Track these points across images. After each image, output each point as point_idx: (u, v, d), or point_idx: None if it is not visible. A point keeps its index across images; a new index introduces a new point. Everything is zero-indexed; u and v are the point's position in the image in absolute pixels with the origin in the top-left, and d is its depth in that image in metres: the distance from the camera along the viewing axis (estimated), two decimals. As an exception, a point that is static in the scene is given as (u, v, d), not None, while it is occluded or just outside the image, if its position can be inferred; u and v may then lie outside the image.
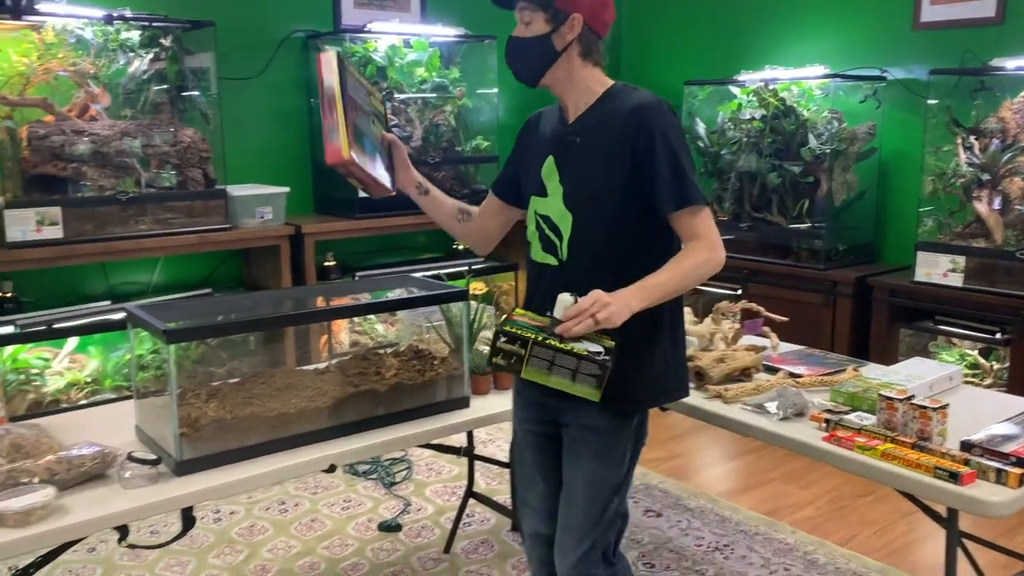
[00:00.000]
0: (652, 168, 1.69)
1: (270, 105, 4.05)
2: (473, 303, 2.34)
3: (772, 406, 2.13)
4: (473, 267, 4.32)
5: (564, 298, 1.65)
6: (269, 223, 3.75)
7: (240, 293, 3.90)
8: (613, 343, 1.64)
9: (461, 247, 4.62)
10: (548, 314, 1.67)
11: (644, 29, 5.04)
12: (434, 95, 4.27)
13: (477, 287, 4.45)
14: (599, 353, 1.60)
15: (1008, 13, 3.63)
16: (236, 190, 3.70)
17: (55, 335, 3.37)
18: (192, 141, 3.57)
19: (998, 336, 3.43)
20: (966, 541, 2.21)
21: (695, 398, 2.24)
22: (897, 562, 2.78)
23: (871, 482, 2.08)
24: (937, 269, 3.53)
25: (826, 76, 4.02)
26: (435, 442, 2.35)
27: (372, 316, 4.01)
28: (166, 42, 3.55)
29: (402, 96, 4.16)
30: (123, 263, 3.72)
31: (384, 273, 4.12)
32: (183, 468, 1.82)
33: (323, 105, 1.83)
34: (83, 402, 3.43)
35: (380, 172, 1.91)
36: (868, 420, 2.00)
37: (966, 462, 1.78)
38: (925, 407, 1.91)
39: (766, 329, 2.70)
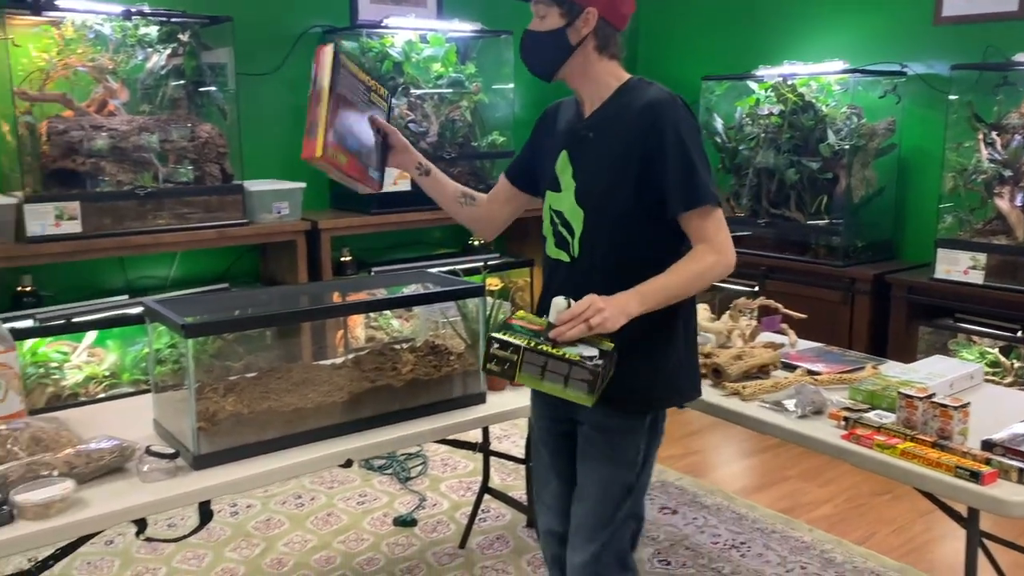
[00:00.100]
0: (662, 167, 1.66)
1: (287, 101, 4.06)
2: (489, 299, 2.33)
3: (790, 404, 2.11)
4: (489, 263, 4.31)
5: (558, 302, 1.63)
6: (286, 218, 3.77)
7: (257, 288, 3.92)
8: (612, 345, 1.62)
9: (476, 242, 4.62)
10: (545, 317, 1.66)
11: (662, 24, 5.02)
12: (450, 90, 4.27)
13: (492, 283, 4.45)
14: (592, 357, 1.57)
15: (1031, 7, 3.59)
16: (253, 185, 3.71)
17: (74, 329, 3.40)
18: (209, 136, 3.58)
19: (1019, 334, 3.40)
20: (986, 541, 2.19)
21: (712, 395, 2.23)
22: (915, 561, 2.76)
23: (889, 480, 2.06)
24: (957, 266, 3.49)
25: (845, 71, 3.98)
26: (450, 438, 2.34)
27: (388, 311, 4.02)
28: (184, 37, 3.57)
29: (418, 92, 4.16)
30: (141, 258, 3.74)
31: (400, 268, 4.12)
32: (201, 462, 1.82)
33: (311, 99, 1.84)
34: (101, 396, 3.46)
35: (366, 170, 1.91)
36: (887, 418, 1.98)
37: (987, 461, 1.76)
38: (946, 405, 1.89)
39: (784, 326, 2.68)
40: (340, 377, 2.14)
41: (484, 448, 2.81)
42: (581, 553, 1.79)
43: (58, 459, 1.73)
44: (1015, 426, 1.91)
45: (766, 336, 2.64)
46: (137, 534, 1.82)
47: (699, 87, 4.49)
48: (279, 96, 4.03)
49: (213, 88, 3.69)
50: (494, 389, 2.32)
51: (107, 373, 3.54)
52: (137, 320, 3.44)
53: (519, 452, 3.21)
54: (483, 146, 4.40)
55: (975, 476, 1.72)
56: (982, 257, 3.43)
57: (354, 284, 3.53)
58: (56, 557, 1.79)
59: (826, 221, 4.05)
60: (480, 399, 2.24)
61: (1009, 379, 3.49)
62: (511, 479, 3.32)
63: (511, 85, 4.45)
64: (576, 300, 1.63)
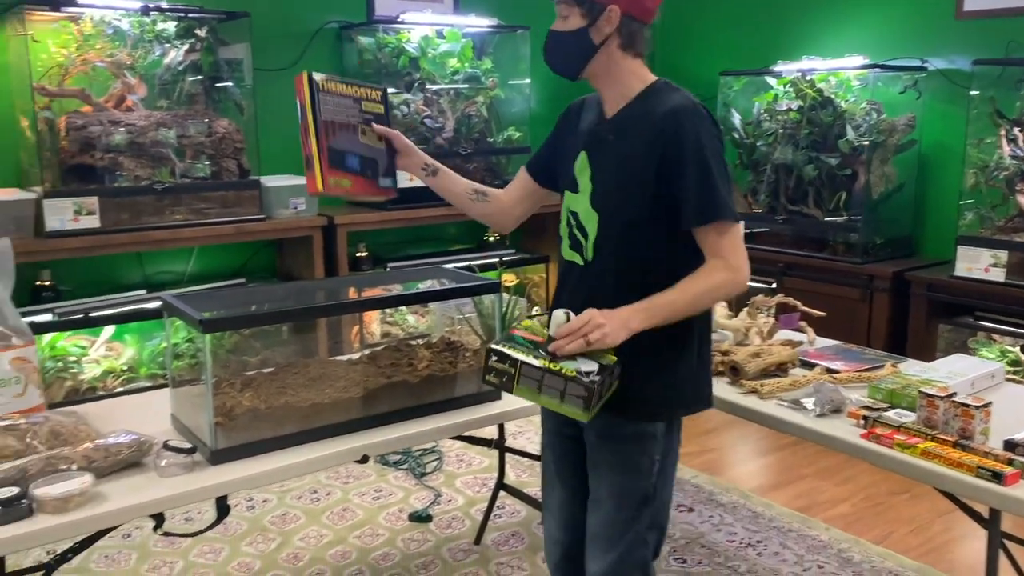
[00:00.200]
0: (680, 176, 1.61)
1: (304, 96, 4.05)
2: (505, 295, 2.33)
3: (809, 402, 2.10)
4: (504, 259, 4.31)
5: (558, 315, 1.61)
6: (302, 214, 3.77)
7: (273, 283, 3.93)
8: (614, 359, 1.60)
9: (492, 238, 4.62)
10: (547, 328, 1.64)
11: (679, 18, 4.98)
12: (466, 86, 4.26)
13: (508, 279, 4.44)
14: (590, 373, 1.54)
15: (1055, 1, 3.54)
16: (270, 181, 3.72)
17: (92, 323, 3.42)
18: (227, 132, 3.60)
19: (1041, 332, 3.36)
20: (1007, 542, 2.17)
21: (730, 393, 2.22)
22: (934, 561, 2.73)
23: (907, 480, 2.04)
24: (978, 264, 3.46)
25: (865, 67, 3.95)
26: (465, 434, 2.34)
27: (404, 307, 4.02)
28: (201, 33, 3.58)
29: (434, 87, 4.16)
30: (158, 253, 3.76)
31: (415, 264, 4.12)
32: (218, 457, 1.83)
33: (301, 132, 1.87)
34: (119, 390, 3.48)
35: (375, 183, 1.92)
36: (907, 417, 1.97)
37: (1009, 462, 1.74)
38: (968, 405, 1.87)
39: (802, 324, 2.66)
40: (356, 373, 2.14)
41: (499, 444, 2.81)
42: (599, 562, 1.76)
43: (77, 453, 1.74)
44: (1038, 426, 1.89)
45: (784, 334, 2.62)
46: (155, 529, 1.83)
47: (717, 82, 4.47)
48: (296, 91, 4.02)
49: (230, 83, 3.70)
50: (510, 386, 2.31)
51: (124, 367, 3.56)
52: (155, 315, 3.46)
53: (534, 449, 3.20)
54: (499, 142, 4.39)
55: (997, 477, 1.70)
56: (1003, 255, 3.39)
57: (370, 280, 3.53)
58: (74, 550, 1.80)
59: (844, 218, 4.01)
60: (496, 395, 2.24)
61: (1030, 378, 3.45)
62: (526, 475, 3.31)
63: (527, 80, 4.44)
64: (588, 305, 1.61)
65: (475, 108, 4.28)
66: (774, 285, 4.00)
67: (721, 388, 2.24)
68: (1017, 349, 3.54)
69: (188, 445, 1.81)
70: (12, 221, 3.18)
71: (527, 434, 3.67)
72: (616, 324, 1.57)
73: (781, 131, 4.16)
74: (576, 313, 1.61)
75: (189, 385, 2.05)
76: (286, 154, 3.97)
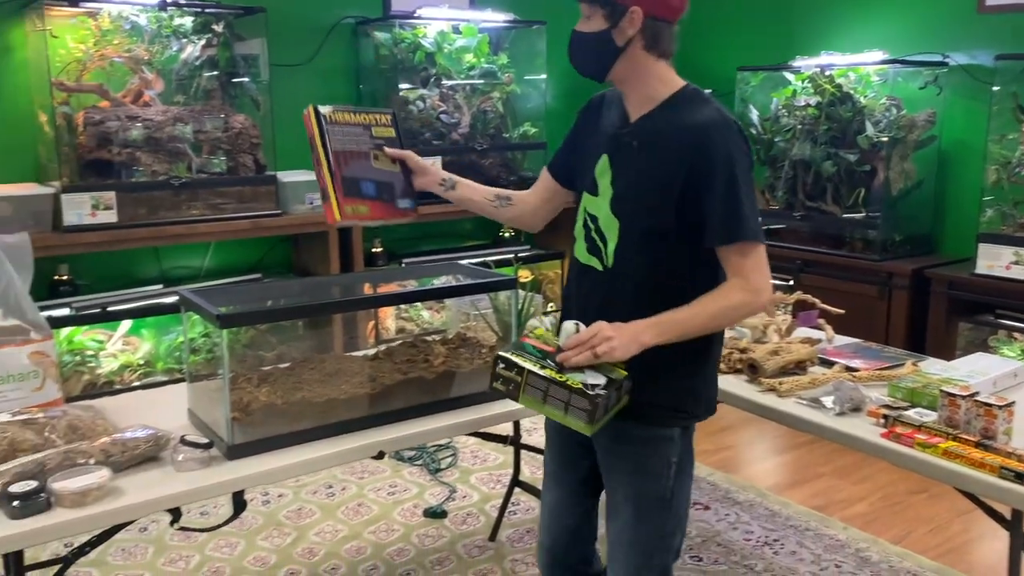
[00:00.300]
0: (708, 193, 1.57)
1: (320, 91, 4.06)
2: (521, 292, 2.32)
3: (828, 400, 2.08)
4: (520, 255, 4.30)
5: (567, 326, 1.60)
6: (318, 209, 3.77)
7: (289, 279, 3.94)
8: (624, 373, 1.58)
9: (507, 234, 4.61)
10: (558, 337, 1.63)
11: (697, 14, 4.90)
12: (482, 81, 4.25)
13: (523, 275, 4.43)
14: (596, 386, 1.52)
15: (1079, -4, 3.49)
16: (286, 176, 3.72)
17: (109, 318, 3.44)
18: (243, 127, 3.60)
19: (1063, 331, 3.32)
20: (1029, 543, 2.14)
21: (749, 391, 2.20)
22: (953, 562, 2.71)
23: (925, 479, 2.02)
24: (1000, 261, 3.42)
25: (884, 62, 3.90)
26: (481, 430, 2.34)
27: (419, 303, 4.02)
28: (218, 28, 3.59)
29: (450, 82, 4.15)
30: (175, 247, 3.77)
31: (431, 260, 4.12)
32: (235, 452, 1.83)
33: (314, 163, 1.90)
34: (136, 384, 3.50)
35: (393, 206, 1.93)
36: (928, 416, 1.94)
37: (1033, 462, 1.72)
38: (990, 404, 1.84)
39: (821, 321, 2.64)
40: (372, 368, 2.14)
41: (515, 441, 2.80)
42: (623, 569, 1.74)
43: (95, 447, 1.74)
44: (1062, 426, 1.86)
45: (802, 331, 2.60)
46: (172, 523, 1.84)
47: (735, 78, 4.43)
48: (312, 87, 4.03)
49: (246, 79, 3.71)
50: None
51: (141, 362, 3.58)
52: (171, 309, 3.47)
53: (549, 445, 3.19)
54: (515, 137, 4.38)
55: (1020, 477, 1.67)
56: (1026, 252, 3.36)
57: (385, 275, 3.53)
58: (92, 544, 1.81)
59: (863, 214, 3.98)
60: (512, 392, 2.23)
61: (1052, 377, 3.41)
62: (541, 472, 3.29)
63: (543, 76, 4.42)
64: (603, 310, 1.60)
65: (491, 103, 4.27)
66: (792, 282, 3.97)
67: (739, 386, 2.23)
68: (1038, 348, 3.50)
69: (205, 440, 1.81)
70: (30, 216, 3.20)
71: (541, 431, 3.65)
72: (626, 338, 1.55)
73: (799, 127, 4.13)
74: (589, 319, 1.60)
75: (206, 380, 2.06)
76: (302, 150, 3.97)
